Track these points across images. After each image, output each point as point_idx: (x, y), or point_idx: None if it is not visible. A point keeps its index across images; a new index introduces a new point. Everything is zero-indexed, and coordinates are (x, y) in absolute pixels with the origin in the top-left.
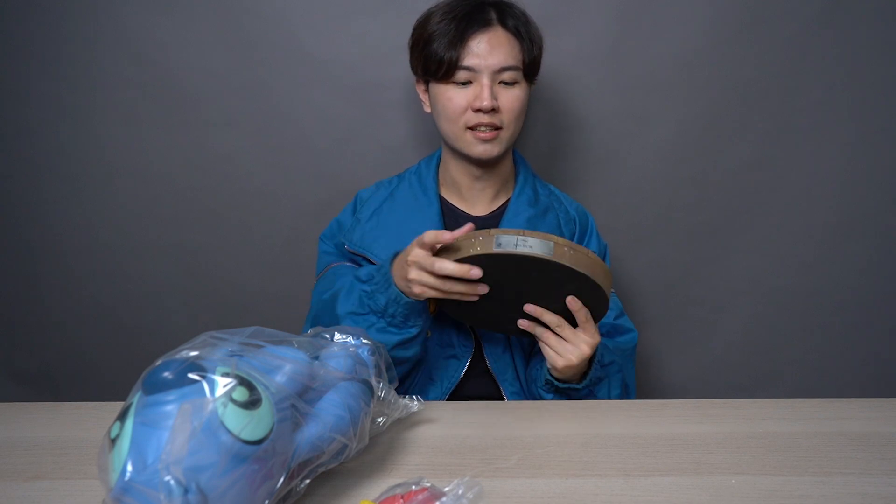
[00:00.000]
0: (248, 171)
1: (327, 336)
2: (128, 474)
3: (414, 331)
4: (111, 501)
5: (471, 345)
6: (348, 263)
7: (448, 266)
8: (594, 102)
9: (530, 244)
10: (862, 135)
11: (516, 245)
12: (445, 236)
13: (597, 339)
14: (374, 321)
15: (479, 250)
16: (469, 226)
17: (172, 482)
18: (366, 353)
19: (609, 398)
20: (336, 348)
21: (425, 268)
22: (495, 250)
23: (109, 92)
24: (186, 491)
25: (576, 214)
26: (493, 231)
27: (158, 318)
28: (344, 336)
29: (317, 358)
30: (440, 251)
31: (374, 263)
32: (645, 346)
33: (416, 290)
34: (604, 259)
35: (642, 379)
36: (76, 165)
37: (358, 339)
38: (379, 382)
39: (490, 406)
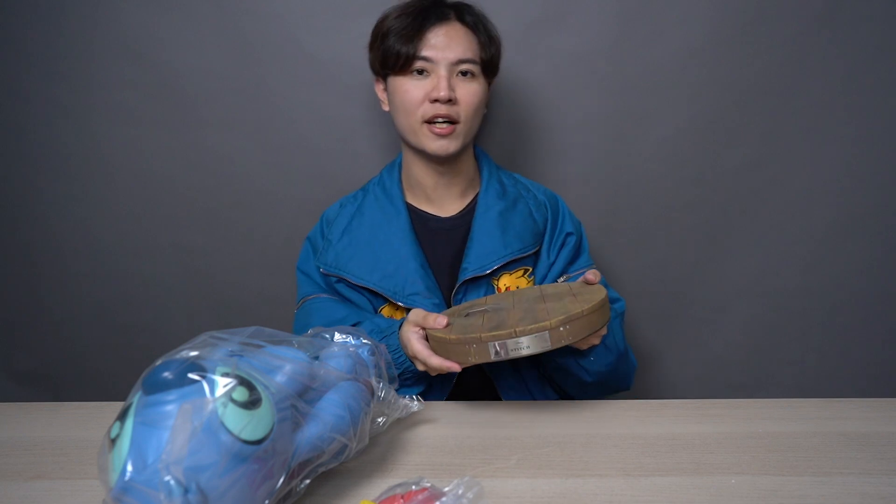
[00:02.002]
0: (248, 172)
1: (327, 336)
2: (128, 474)
3: (423, 386)
4: (111, 501)
5: None
6: (324, 296)
7: (443, 366)
8: (594, 102)
9: (526, 344)
10: (862, 135)
11: (512, 350)
12: (429, 321)
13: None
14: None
15: (476, 360)
16: (443, 321)
17: (172, 482)
18: (366, 353)
19: (615, 342)
20: (336, 348)
21: (423, 363)
22: (494, 359)
23: (109, 92)
24: (186, 491)
25: (545, 199)
26: (484, 336)
27: (158, 318)
28: (344, 336)
29: (317, 358)
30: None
31: (350, 283)
32: (645, 346)
33: (420, 368)
34: (581, 239)
35: (642, 379)
36: (75, 165)
37: (358, 339)
38: (379, 382)
39: (490, 406)
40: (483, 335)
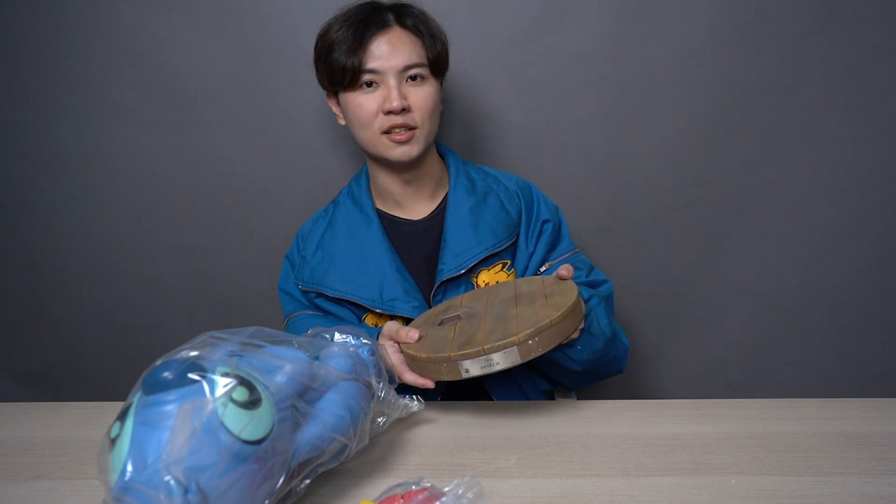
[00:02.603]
0: (248, 172)
1: (327, 336)
2: (128, 474)
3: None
4: (111, 501)
5: None
6: (308, 312)
7: (417, 382)
8: (594, 102)
9: (497, 361)
10: (862, 135)
11: (483, 368)
12: (401, 335)
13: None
14: None
15: (448, 377)
16: (415, 335)
17: (172, 482)
18: (366, 353)
19: (601, 328)
20: (336, 348)
21: (399, 377)
22: (465, 377)
23: (109, 92)
24: (186, 491)
25: (516, 188)
26: (454, 356)
27: (158, 318)
28: (344, 336)
29: (317, 358)
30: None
31: (329, 297)
32: (645, 346)
33: (398, 381)
34: (559, 224)
35: (642, 379)
36: (75, 165)
37: (358, 339)
38: (379, 382)
39: (490, 406)
40: (452, 354)
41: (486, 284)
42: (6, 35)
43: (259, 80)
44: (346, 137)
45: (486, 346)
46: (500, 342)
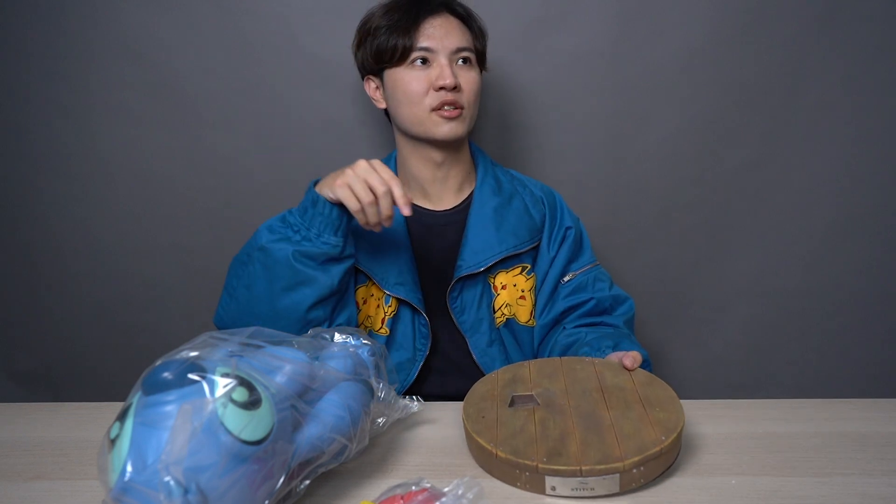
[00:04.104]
0: (248, 171)
1: (327, 336)
2: (127, 474)
3: (325, 247)
4: (111, 502)
5: (425, 348)
6: None
7: (391, 181)
8: (594, 102)
9: (593, 486)
10: (862, 135)
11: (574, 490)
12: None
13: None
14: (289, 234)
15: (524, 488)
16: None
17: (172, 482)
18: (366, 353)
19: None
20: (336, 349)
21: (373, 168)
22: (549, 494)
23: (109, 92)
24: (186, 491)
25: (541, 194)
26: (542, 468)
27: (158, 318)
28: (344, 336)
29: (317, 358)
30: None
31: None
32: (645, 346)
33: (338, 182)
34: (581, 234)
35: None
36: (75, 166)
37: (358, 339)
38: (379, 383)
39: None
40: (541, 465)
41: (503, 287)
42: (6, 35)
43: (259, 80)
44: (347, 138)
45: (584, 468)
46: (601, 466)
